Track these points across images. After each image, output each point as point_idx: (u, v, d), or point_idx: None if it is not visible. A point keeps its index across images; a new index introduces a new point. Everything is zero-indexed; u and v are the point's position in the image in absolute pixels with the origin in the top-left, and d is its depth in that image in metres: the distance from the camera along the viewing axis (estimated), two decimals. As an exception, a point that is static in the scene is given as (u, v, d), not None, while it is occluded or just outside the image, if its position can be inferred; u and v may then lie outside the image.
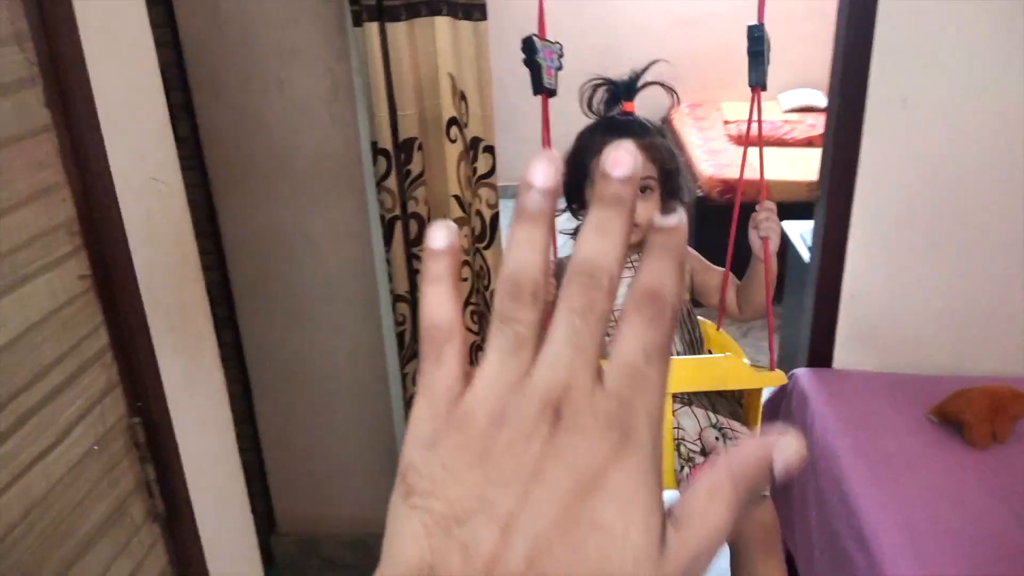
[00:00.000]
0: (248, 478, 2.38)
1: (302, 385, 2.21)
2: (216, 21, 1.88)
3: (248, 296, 2.14)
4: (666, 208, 1.35)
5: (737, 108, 4.85)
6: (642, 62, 1.61)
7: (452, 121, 1.80)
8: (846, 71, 1.85)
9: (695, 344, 1.35)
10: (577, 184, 1.43)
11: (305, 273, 2.10)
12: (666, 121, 5.06)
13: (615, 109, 1.43)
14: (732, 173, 3.73)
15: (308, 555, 2.39)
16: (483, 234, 1.93)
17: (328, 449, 2.28)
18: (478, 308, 2.03)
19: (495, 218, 1.93)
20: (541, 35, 1.27)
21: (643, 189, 1.28)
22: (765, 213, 1.29)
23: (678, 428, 1.25)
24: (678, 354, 1.29)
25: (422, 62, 1.75)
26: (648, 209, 1.30)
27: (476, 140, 1.85)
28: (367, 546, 2.36)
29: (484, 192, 1.89)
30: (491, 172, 1.88)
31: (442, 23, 1.72)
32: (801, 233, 2.41)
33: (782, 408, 2.03)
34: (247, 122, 1.97)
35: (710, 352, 1.39)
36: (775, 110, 4.80)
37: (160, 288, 1.06)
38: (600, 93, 1.45)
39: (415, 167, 1.79)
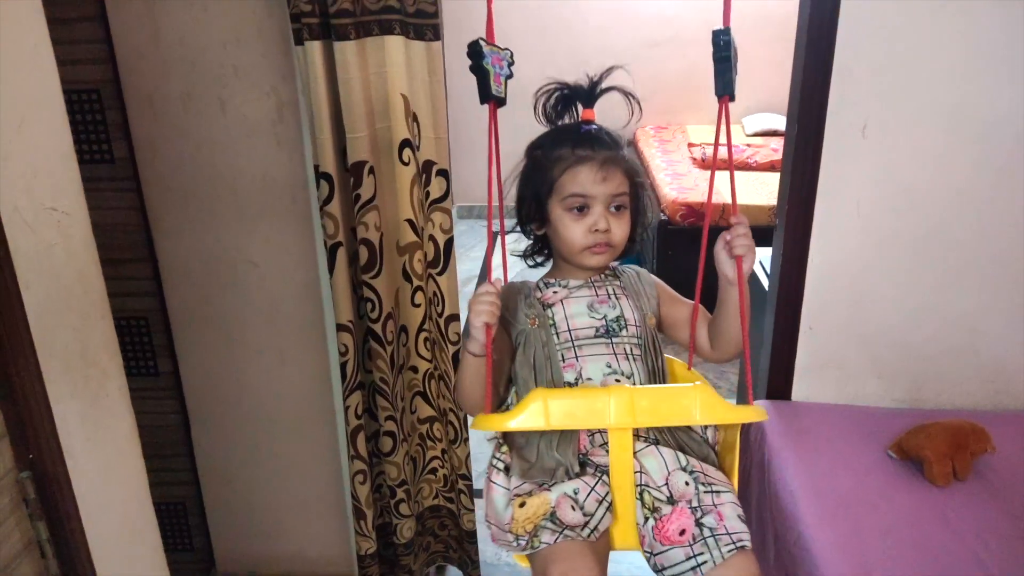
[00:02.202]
0: (187, 514, 2.28)
1: (244, 416, 2.11)
2: (155, 37, 1.80)
3: (187, 323, 2.04)
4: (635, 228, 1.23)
5: (702, 131, 4.84)
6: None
7: (405, 143, 1.74)
8: (804, 97, 1.81)
9: (657, 375, 1.20)
10: (536, 199, 1.21)
11: (248, 299, 2.01)
12: (630, 142, 5.04)
13: (568, 115, 1.26)
14: (696, 197, 3.70)
15: (249, 595, 2.28)
16: (436, 259, 1.87)
17: (271, 484, 2.17)
18: (431, 335, 1.95)
19: (449, 243, 1.87)
20: (490, 40, 1.09)
21: (619, 207, 1.17)
22: (741, 228, 1.08)
23: (640, 472, 1.07)
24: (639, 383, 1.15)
25: (373, 82, 1.68)
26: (623, 227, 1.17)
27: (429, 163, 1.80)
28: (312, 585, 2.26)
29: (437, 216, 1.84)
30: (445, 196, 1.83)
31: (395, 42, 1.66)
32: (761, 260, 2.36)
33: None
34: (187, 142, 1.88)
35: None
36: (739, 134, 4.79)
37: (58, 326, 0.98)
38: (554, 99, 1.26)
39: (365, 191, 1.72)
